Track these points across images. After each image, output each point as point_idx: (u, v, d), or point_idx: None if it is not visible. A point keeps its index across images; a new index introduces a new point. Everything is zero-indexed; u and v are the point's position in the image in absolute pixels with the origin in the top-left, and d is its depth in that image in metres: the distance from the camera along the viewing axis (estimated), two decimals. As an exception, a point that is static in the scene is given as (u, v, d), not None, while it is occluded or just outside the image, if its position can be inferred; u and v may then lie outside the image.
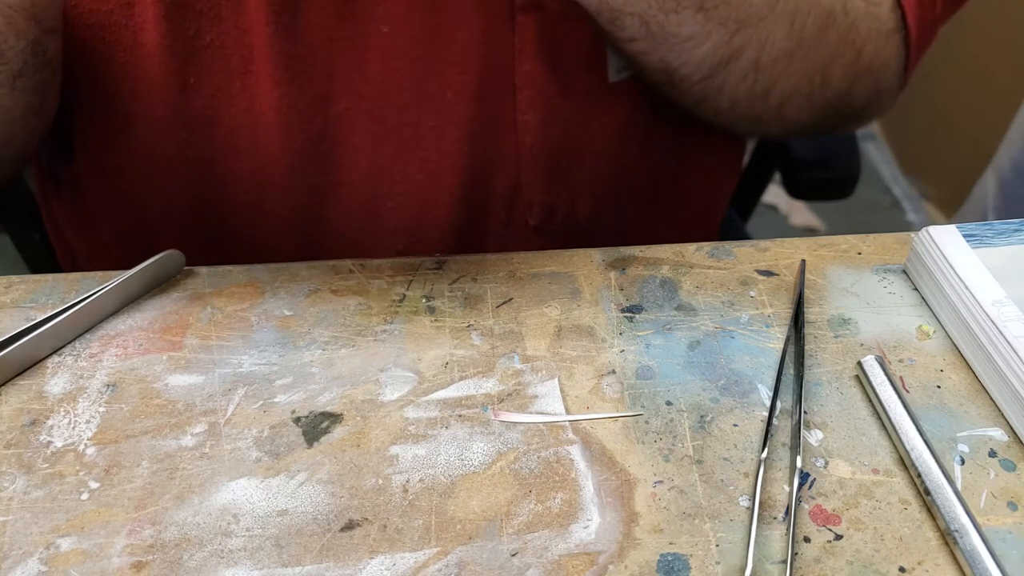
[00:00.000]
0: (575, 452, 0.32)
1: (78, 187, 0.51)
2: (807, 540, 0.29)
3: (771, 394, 0.34)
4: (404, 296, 0.39)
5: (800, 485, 0.31)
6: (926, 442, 0.32)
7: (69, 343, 0.36)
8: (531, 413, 0.34)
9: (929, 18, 0.48)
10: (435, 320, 0.38)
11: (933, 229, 0.39)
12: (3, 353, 0.34)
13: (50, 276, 0.39)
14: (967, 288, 0.36)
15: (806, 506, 0.30)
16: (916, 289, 0.40)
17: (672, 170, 0.54)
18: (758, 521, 0.29)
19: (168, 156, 0.47)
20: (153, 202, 0.49)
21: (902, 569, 0.29)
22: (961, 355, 0.36)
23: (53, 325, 0.35)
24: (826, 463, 0.32)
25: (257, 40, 0.44)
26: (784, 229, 1.57)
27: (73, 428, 0.33)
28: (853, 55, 0.46)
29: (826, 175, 0.70)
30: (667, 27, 0.41)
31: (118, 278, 0.37)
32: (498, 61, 0.45)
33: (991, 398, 0.35)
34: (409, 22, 0.44)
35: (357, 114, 0.46)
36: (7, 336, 0.35)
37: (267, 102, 0.45)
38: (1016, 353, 0.33)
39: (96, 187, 0.50)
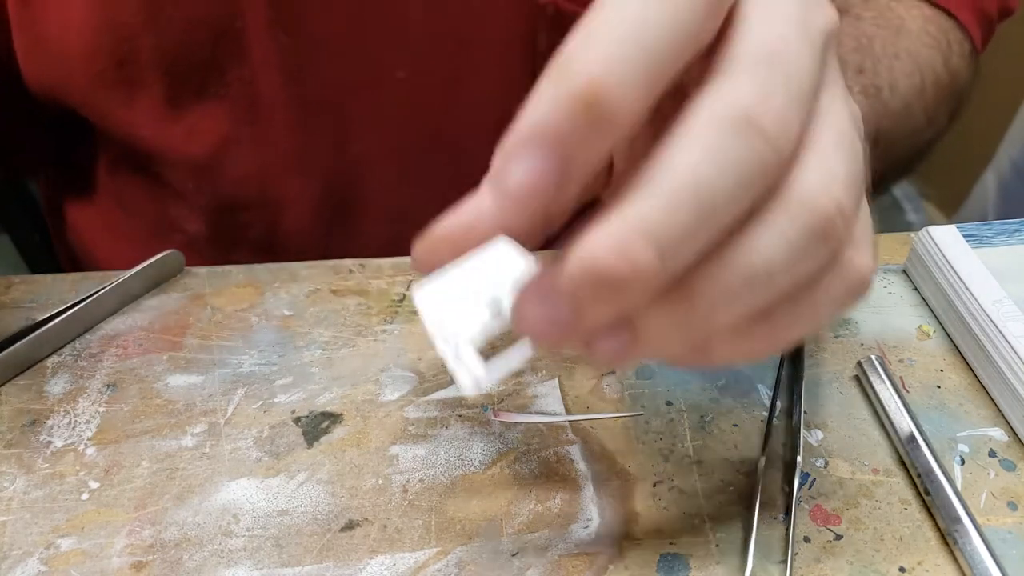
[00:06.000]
0: (575, 452, 0.32)
1: (95, 196, 0.51)
2: (807, 540, 0.29)
3: (771, 394, 0.34)
4: (404, 296, 0.39)
5: (800, 485, 0.31)
6: (926, 442, 0.31)
7: (69, 343, 0.36)
8: (531, 413, 0.34)
9: (988, 23, 0.51)
10: (435, 320, 0.38)
11: (933, 229, 0.39)
12: (3, 353, 0.34)
13: (50, 276, 0.39)
14: (967, 288, 0.36)
15: (806, 506, 0.30)
16: (916, 289, 0.40)
17: None
18: (758, 521, 0.29)
19: (182, 196, 0.47)
20: (173, 229, 0.50)
21: (902, 569, 0.29)
22: (961, 355, 0.36)
23: (53, 325, 0.35)
24: (826, 463, 0.32)
25: (265, 89, 0.43)
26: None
27: (73, 428, 0.33)
28: (955, 102, 0.48)
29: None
30: None
31: (118, 278, 0.37)
32: (517, 107, 0.45)
33: (991, 398, 0.35)
34: (426, 68, 0.44)
35: (376, 157, 0.46)
36: (7, 336, 0.35)
37: (279, 148, 0.45)
38: (1016, 353, 0.33)
39: (113, 201, 0.50)
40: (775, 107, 0.19)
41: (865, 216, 0.23)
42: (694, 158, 0.19)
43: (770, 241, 0.20)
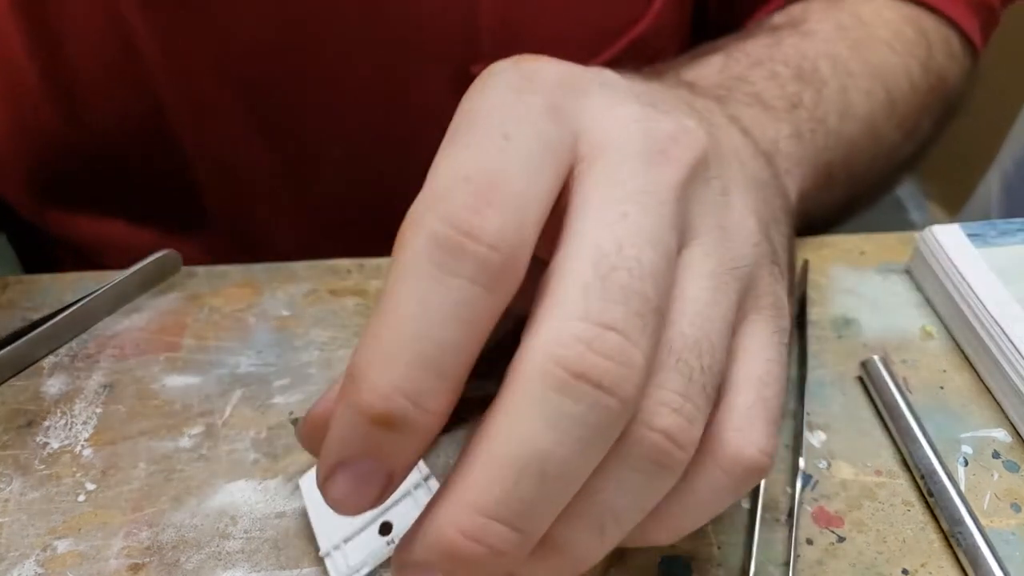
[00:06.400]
0: (575, 453, 0.32)
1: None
2: (809, 542, 0.29)
3: (773, 395, 0.34)
4: (403, 296, 0.38)
5: (802, 487, 0.31)
6: (929, 443, 0.31)
7: (66, 344, 0.36)
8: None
9: (988, 12, 0.48)
10: (434, 320, 0.37)
11: (936, 229, 0.39)
12: (-1, 354, 0.34)
13: (47, 276, 0.39)
14: (970, 288, 0.36)
15: (808, 508, 0.30)
16: (919, 289, 0.40)
17: None
18: (760, 523, 0.29)
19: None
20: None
21: (905, 571, 0.28)
22: (965, 356, 0.36)
23: (50, 325, 0.35)
24: (828, 464, 0.32)
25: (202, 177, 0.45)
26: (786, 228, 1.56)
27: (70, 429, 0.32)
28: (943, 105, 0.46)
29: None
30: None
31: (115, 278, 0.37)
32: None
33: (995, 399, 0.34)
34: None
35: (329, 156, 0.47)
36: (3, 336, 0.34)
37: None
38: (1020, 354, 0.33)
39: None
40: (609, 347, 0.18)
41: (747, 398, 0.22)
42: (526, 429, 0.18)
43: (619, 481, 0.20)
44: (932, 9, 0.46)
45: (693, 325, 0.21)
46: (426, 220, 0.18)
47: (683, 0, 0.49)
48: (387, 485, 0.19)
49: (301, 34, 0.43)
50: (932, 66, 0.44)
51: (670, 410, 0.20)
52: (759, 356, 0.23)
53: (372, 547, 0.28)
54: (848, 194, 0.41)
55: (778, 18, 0.44)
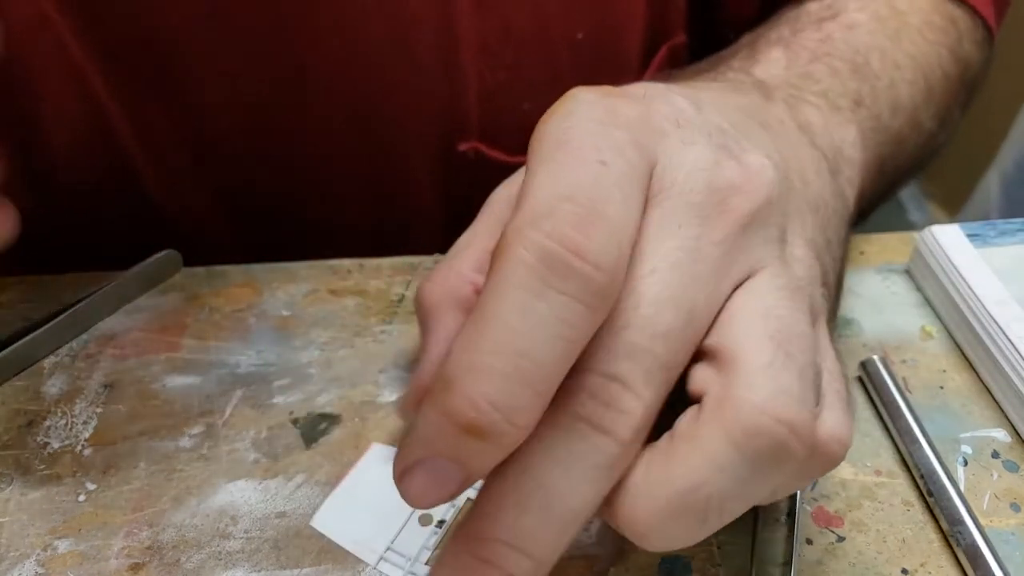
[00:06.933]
0: (575, 453, 0.32)
1: None
2: (809, 542, 0.29)
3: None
4: (403, 296, 0.39)
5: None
6: (929, 443, 0.31)
7: (66, 344, 0.36)
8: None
9: (1003, 4, 0.48)
10: (434, 320, 0.37)
11: (936, 229, 0.39)
12: (0, 354, 0.34)
13: (47, 276, 0.39)
14: (970, 288, 0.36)
15: (808, 508, 0.30)
16: (919, 289, 0.40)
17: None
18: (760, 523, 0.29)
19: None
20: None
21: (904, 571, 0.28)
22: (964, 356, 0.36)
23: (50, 326, 0.35)
24: (828, 464, 0.32)
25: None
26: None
27: (70, 429, 0.32)
28: (967, 92, 0.46)
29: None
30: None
31: (115, 279, 0.37)
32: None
33: (994, 399, 0.34)
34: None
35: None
36: (4, 337, 0.34)
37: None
38: (1019, 353, 0.33)
39: None
40: (611, 395, 0.20)
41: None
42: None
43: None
44: None
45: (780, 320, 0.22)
46: (530, 235, 0.19)
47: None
48: (463, 485, 0.20)
49: (279, 116, 0.43)
50: (960, 54, 0.45)
51: (789, 399, 0.20)
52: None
53: (418, 535, 0.29)
54: (888, 185, 0.41)
55: (814, 7, 0.44)
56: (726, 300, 0.22)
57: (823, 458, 0.22)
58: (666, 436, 0.21)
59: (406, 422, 0.25)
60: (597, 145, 0.21)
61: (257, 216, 0.46)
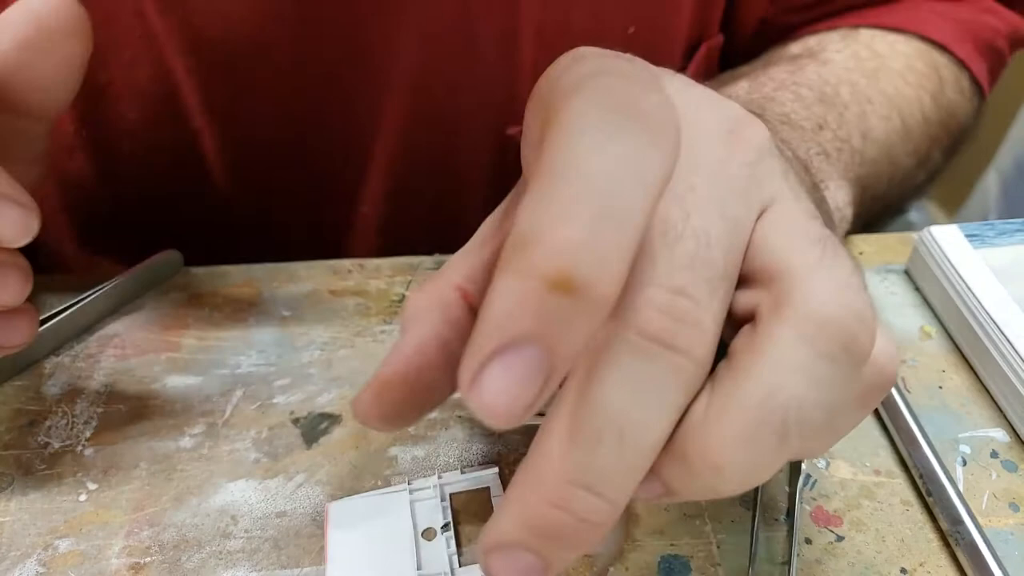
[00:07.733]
0: (575, 453, 0.32)
1: None
2: (808, 541, 0.29)
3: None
4: (403, 296, 0.39)
5: (801, 486, 0.31)
6: (928, 443, 0.31)
7: (67, 344, 0.36)
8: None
9: (995, 55, 0.49)
10: (434, 320, 0.37)
11: (935, 229, 0.39)
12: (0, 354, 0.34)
13: (47, 276, 0.39)
14: (969, 289, 0.36)
15: (807, 507, 0.30)
16: (918, 289, 0.40)
17: None
18: (759, 522, 0.29)
19: None
20: None
21: (903, 570, 0.28)
22: (963, 356, 0.36)
23: (51, 326, 0.35)
24: (827, 464, 0.32)
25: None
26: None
27: (71, 429, 0.32)
28: (951, 139, 0.47)
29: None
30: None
31: (116, 279, 0.37)
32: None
33: (993, 399, 0.34)
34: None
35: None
36: (5, 337, 0.34)
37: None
38: (1018, 353, 0.33)
39: None
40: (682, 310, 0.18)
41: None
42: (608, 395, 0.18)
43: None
44: (943, 48, 0.47)
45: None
46: (591, 83, 0.18)
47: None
48: (547, 383, 0.16)
49: (346, 96, 0.43)
50: (943, 101, 0.46)
51: (849, 290, 0.19)
52: None
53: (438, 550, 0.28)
54: (864, 216, 0.41)
55: (795, 48, 0.46)
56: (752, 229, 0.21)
57: (877, 374, 0.21)
58: (723, 363, 0.20)
59: (362, 422, 0.23)
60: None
61: (307, 207, 0.46)
